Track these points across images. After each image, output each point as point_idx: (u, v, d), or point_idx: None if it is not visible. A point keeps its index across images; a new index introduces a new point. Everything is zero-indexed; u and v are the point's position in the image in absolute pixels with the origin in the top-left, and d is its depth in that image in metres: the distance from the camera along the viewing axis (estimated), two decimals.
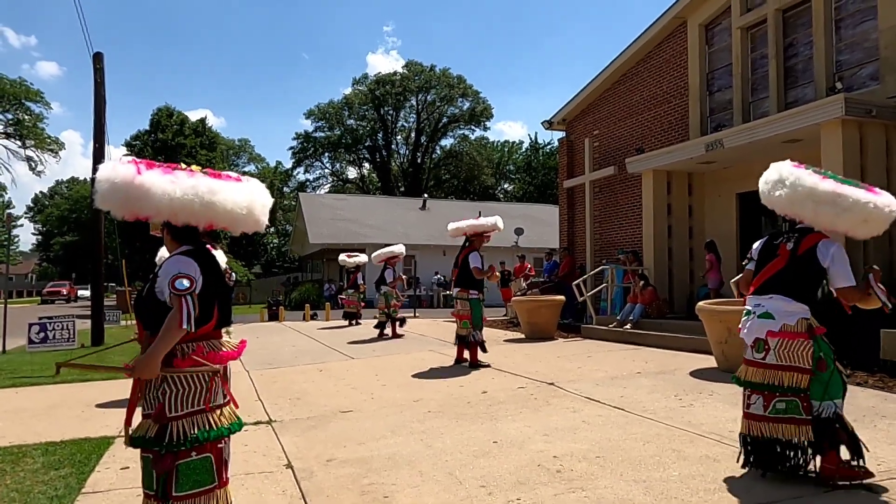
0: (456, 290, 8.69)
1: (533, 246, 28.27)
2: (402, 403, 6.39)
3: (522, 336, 11.75)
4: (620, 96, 14.75)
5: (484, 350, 8.49)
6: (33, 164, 44.98)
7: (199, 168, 3.04)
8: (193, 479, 2.80)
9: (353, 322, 15.94)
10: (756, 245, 4.13)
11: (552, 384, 6.89)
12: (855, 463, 3.66)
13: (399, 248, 13.76)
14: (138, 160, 2.89)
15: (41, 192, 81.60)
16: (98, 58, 13.68)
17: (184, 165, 3.04)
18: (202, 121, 41.57)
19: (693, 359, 8.09)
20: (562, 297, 12.10)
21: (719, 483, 3.78)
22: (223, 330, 3.13)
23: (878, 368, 6.71)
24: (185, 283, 2.74)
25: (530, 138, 70.91)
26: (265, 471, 4.41)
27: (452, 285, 8.99)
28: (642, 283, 11.21)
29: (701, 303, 7.87)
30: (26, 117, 41.92)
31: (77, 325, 10.85)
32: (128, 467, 4.54)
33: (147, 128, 41.30)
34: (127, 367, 2.91)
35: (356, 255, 16.62)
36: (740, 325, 4.01)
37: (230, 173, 3.14)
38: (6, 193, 49.84)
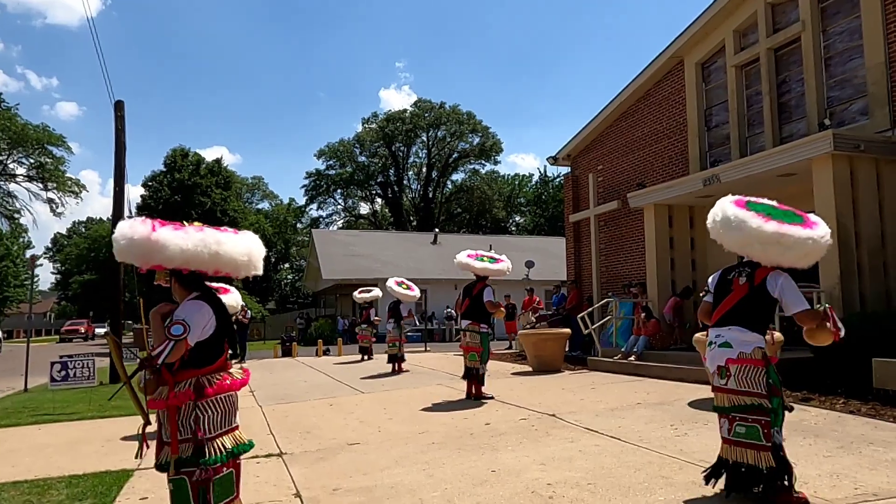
0: (467, 323, 8.80)
1: (544, 278, 28.47)
2: (407, 436, 6.63)
3: (529, 369, 11.94)
4: (622, 133, 15.14)
5: (482, 383, 8.71)
6: (54, 206, 46.18)
7: (199, 224, 3.53)
8: (222, 491, 3.25)
9: (366, 357, 16.15)
10: (711, 279, 4.50)
11: (553, 415, 7.10)
12: (793, 488, 3.92)
13: (417, 293, 14.11)
14: (152, 219, 3.38)
15: (60, 232, 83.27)
16: (119, 106, 14.32)
17: (185, 223, 3.52)
18: (218, 161, 42.56)
19: (693, 389, 8.25)
20: (567, 330, 12.31)
21: None
22: (234, 363, 3.60)
23: (871, 397, 6.86)
24: (179, 328, 3.17)
25: (539, 171, 71.64)
26: (275, 499, 4.66)
27: (460, 317, 9.14)
28: (644, 315, 11.41)
29: (697, 334, 8.06)
30: (48, 161, 43.18)
31: (96, 364, 11.22)
32: (146, 498, 4.83)
33: (162, 168, 42.37)
34: (155, 404, 3.33)
35: (369, 291, 16.90)
36: (704, 356, 4.29)
37: (226, 229, 3.65)
38: (27, 234, 50.91)
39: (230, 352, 3.56)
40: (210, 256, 3.31)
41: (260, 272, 3.71)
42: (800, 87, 10.90)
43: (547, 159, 18.04)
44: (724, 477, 4.11)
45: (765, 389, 4.00)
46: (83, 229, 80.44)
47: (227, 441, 3.31)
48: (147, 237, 3.21)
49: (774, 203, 4.42)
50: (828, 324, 3.97)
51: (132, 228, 3.27)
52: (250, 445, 3.50)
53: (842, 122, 10.06)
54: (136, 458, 3.47)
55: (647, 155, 14.30)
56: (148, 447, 3.42)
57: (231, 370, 3.50)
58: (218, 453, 3.23)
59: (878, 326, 7.56)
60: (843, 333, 4.03)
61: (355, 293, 16.93)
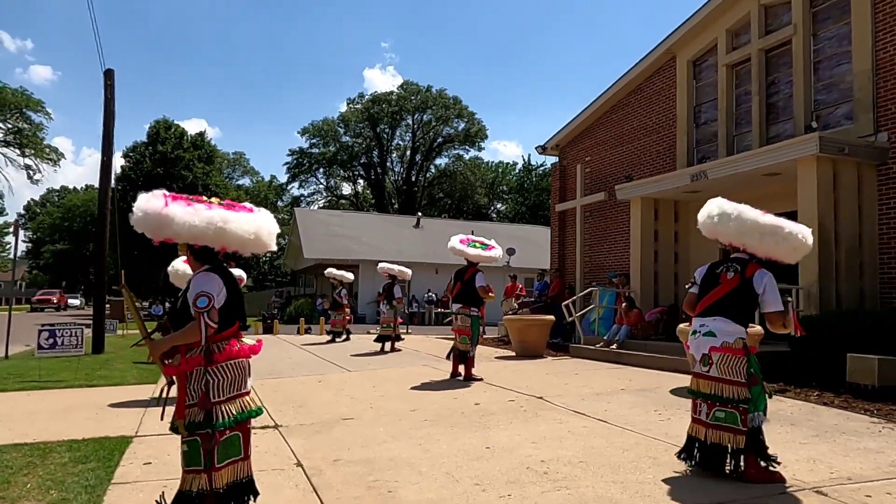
0: (458, 306, 8.97)
1: (524, 266, 28.77)
2: (400, 412, 6.80)
3: (513, 354, 12.17)
4: (612, 125, 15.36)
5: (472, 364, 8.90)
6: (31, 173, 45.25)
7: (218, 200, 3.67)
8: (228, 452, 3.41)
9: (342, 338, 16.03)
10: (699, 272, 4.79)
11: (541, 398, 7.33)
12: (767, 467, 4.28)
13: (408, 272, 14.24)
14: (167, 194, 3.50)
15: (33, 199, 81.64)
16: (109, 74, 14.14)
17: (205, 198, 3.69)
18: (201, 134, 42.07)
19: (674, 378, 8.53)
20: (551, 317, 12.56)
21: (689, 484, 4.22)
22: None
23: (843, 390, 7.18)
24: (205, 301, 3.34)
25: (523, 160, 71.86)
26: (277, 468, 4.81)
27: (451, 300, 9.27)
28: (626, 304, 11.70)
29: (681, 325, 8.33)
30: (26, 126, 42.22)
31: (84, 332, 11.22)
32: (150, 463, 4.94)
33: (144, 139, 41.80)
34: (168, 370, 3.49)
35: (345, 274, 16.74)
36: (687, 343, 4.64)
37: (245, 204, 3.79)
38: (1, 201, 49.87)
39: (240, 322, 3.68)
40: (215, 234, 3.42)
41: (272, 249, 3.85)
42: (788, 88, 11.17)
43: (535, 148, 18.22)
44: (698, 455, 4.43)
45: (745, 378, 4.29)
46: (56, 198, 79.03)
47: (235, 406, 3.44)
48: (158, 212, 3.34)
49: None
50: (794, 321, 4.35)
51: (147, 202, 3.40)
52: (259, 411, 3.64)
53: (827, 126, 10.36)
54: (161, 419, 3.56)
55: (635, 148, 14.53)
56: (165, 405, 3.53)
57: (242, 339, 3.64)
58: (225, 417, 3.37)
59: (851, 324, 7.89)
60: (800, 333, 4.43)
61: (341, 272, 16.76)
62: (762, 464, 4.28)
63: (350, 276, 16.75)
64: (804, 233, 4.48)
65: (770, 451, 4.31)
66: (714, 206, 4.64)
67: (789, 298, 4.53)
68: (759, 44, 11.58)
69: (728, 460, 4.32)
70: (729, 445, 4.26)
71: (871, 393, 6.91)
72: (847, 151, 9.11)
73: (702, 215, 4.72)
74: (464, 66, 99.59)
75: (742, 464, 4.29)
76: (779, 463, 4.31)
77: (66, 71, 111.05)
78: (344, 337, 16.15)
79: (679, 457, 4.55)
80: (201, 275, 3.45)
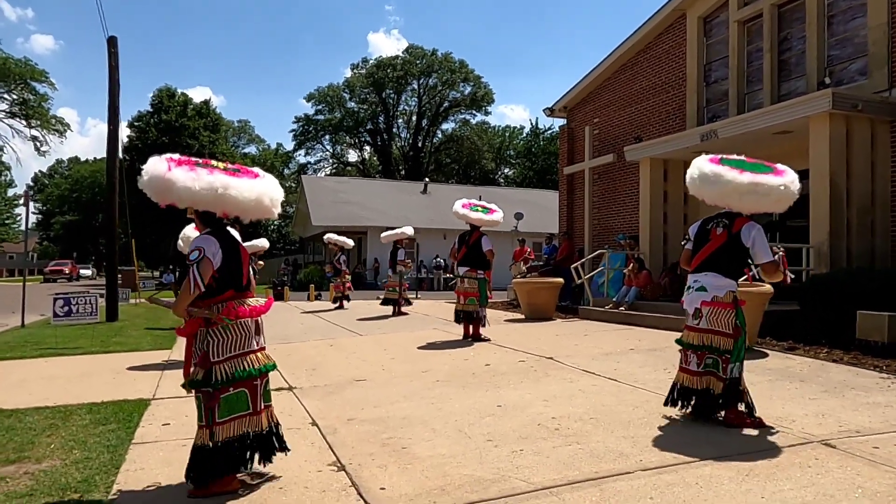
0: (464, 269, 9.10)
1: (532, 230, 28.73)
2: (412, 374, 6.89)
3: (522, 316, 12.24)
4: (620, 85, 15.15)
5: (484, 325, 9.06)
6: (38, 144, 45.26)
7: (223, 165, 3.68)
8: (230, 408, 3.50)
9: (341, 306, 15.94)
10: (692, 228, 4.95)
11: (551, 358, 7.39)
12: (747, 413, 4.54)
13: (409, 230, 14.24)
14: (173, 158, 3.53)
15: (41, 171, 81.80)
16: (112, 42, 14.01)
17: (214, 163, 3.71)
18: (206, 102, 41.79)
19: None
20: (560, 280, 12.59)
21: (699, 438, 4.28)
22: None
23: (853, 347, 7.21)
24: (195, 253, 3.43)
25: (531, 123, 71.28)
26: (293, 427, 4.89)
27: (456, 264, 9.39)
28: (633, 265, 11.70)
29: None
30: (31, 97, 42.07)
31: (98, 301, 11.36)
32: (168, 423, 5.04)
33: (149, 108, 41.60)
34: (179, 330, 3.61)
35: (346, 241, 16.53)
36: (683, 299, 4.84)
37: (251, 169, 3.80)
38: (9, 173, 49.95)
39: (245, 282, 3.72)
40: (214, 199, 3.47)
41: (275, 216, 3.87)
42: (801, 44, 10.96)
43: (543, 110, 18.04)
44: (691, 404, 4.68)
45: (732, 329, 4.50)
46: (64, 169, 79.18)
47: (237, 365, 3.51)
48: (161, 176, 3.39)
49: (744, 157, 4.82)
50: (783, 269, 4.53)
51: (153, 166, 3.45)
52: (266, 368, 3.66)
53: (840, 82, 10.19)
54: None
55: (644, 109, 14.36)
56: None
57: (246, 300, 3.66)
58: (223, 377, 3.47)
59: (861, 283, 7.87)
60: (789, 280, 4.66)
61: (330, 235, 16.53)
62: (743, 410, 4.52)
63: (350, 242, 16.67)
64: (785, 181, 4.51)
65: (753, 402, 4.58)
66: (695, 169, 4.77)
67: (781, 251, 4.64)
68: None
69: (708, 403, 4.56)
70: (712, 389, 4.51)
71: (880, 349, 6.94)
72: (860, 108, 8.97)
73: (687, 177, 4.89)
74: (469, 28, 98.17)
75: (719, 407, 4.56)
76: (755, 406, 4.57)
77: (67, 40, 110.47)
78: (337, 304, 15.88)
79: (665, 405, 4.80)
80: (198, 237, 3.56)
